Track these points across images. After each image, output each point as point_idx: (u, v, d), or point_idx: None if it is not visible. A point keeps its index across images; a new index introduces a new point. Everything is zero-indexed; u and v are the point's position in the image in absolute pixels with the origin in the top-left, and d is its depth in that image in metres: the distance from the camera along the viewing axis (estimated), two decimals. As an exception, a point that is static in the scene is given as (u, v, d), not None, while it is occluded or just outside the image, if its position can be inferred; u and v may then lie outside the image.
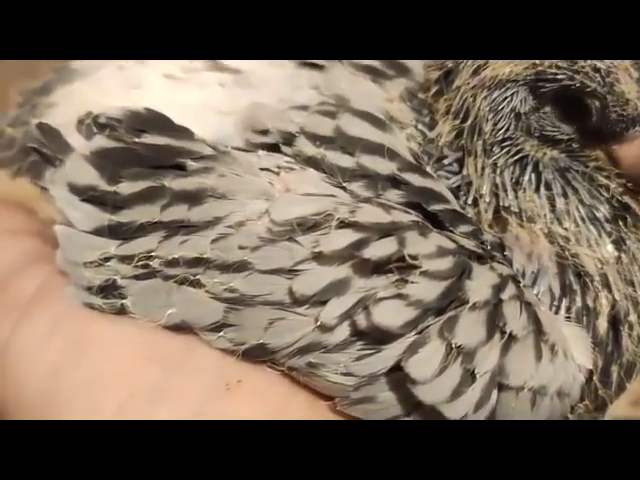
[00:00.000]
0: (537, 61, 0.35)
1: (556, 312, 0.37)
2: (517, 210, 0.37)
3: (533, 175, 0.37)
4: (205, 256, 0.35)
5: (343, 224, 0.34)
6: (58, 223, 0.38)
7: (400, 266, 0.34)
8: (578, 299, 0.37)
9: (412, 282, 0.33)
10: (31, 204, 0.48)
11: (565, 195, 0.37)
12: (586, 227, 0.37)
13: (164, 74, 0.43)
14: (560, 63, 0.34)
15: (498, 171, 0.37)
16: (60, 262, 0.38)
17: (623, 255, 0.37)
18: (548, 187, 0.37)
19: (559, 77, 0.35)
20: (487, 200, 0.37)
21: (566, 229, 0.37)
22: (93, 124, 0.39)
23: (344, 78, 0.40)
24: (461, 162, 0.38)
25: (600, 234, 0.37)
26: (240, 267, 0.34)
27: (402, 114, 0.39)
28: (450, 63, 0.38)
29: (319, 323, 0.33)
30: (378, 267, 0.34)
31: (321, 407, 0.35)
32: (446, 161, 0.38)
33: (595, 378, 0.36)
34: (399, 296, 0.33)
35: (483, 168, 0.37)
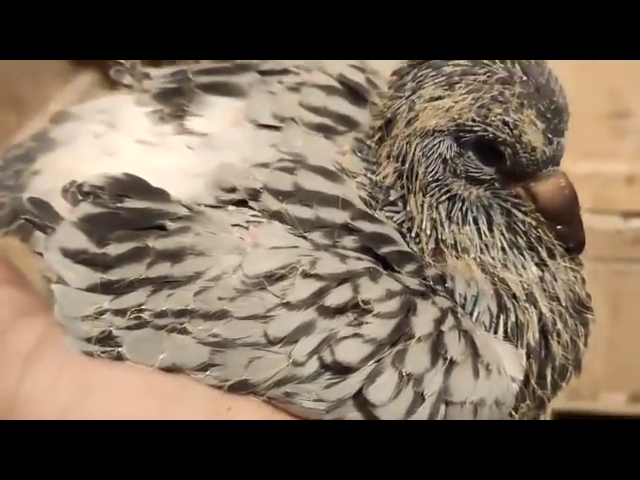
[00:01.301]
0: (456, 115, 0.40)
1: (495, 328, 0.42)
2: (453, 242, 0.43)
3: (462, 211, 0.43)
4: (190, 307, 0.40)
5: (306, 275, 0.39)
6: (54, 282, 0.43)
7: (356, 309, 0.39)
8: (512, 315, 0.42)
9: (366, 323, 0.39)
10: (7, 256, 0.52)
11: (490, 228, 0.43)
12: (512, 253, 0.43)
13: (136, 140, 0.48)
14: (475, 117, 0.40)
15: (434, 207, 0.43)
16: (58, 316, 0.42)
17: (546, 274, 0.43)
18: (475, 221, 0.43)
19: (475, 129, 0.40)
20: (428, 233, 0.43)
21: (493, 258, 0.43)
22: (77, 192, 0.43)
23: (299, 137, 0.45)
24: (404, 200, 0.43)
25: (525, 258, 0.43)
26: (220, 315, 0.39)
27: (353, 165, 0.44)
28: (389, 114, 0.43)
29: (292, 360, 0.39)
30: (337, 310, 0.39)
31: None
32: (391, 198, 0.43)
33: (532, 381, 0.42)
34: (356, 335, 0.39)
35: (422, 205, 0.43)
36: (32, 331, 0.44)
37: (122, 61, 0.52)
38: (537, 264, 0.43)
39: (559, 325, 0.43)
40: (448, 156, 0.42)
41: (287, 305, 0.39)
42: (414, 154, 0.42)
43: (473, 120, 0.40)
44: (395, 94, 0.43)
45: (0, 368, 0.43)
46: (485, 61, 0.41)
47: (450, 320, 0.41)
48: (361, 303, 0.39)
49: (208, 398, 0.40)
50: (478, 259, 0.43)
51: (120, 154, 0.48)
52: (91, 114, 0.51)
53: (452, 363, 0.39)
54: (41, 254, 0.44)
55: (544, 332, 0.43)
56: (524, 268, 0.43)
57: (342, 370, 0.39)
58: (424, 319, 0.40)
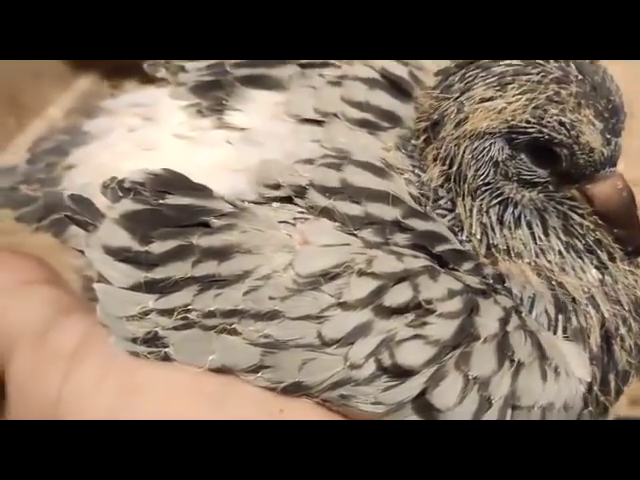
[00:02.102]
0: (509, 116, 0.39)
1: (554, 332, 0.41)
2: (505, 247, 0.41)
3: (514, 215, 0.42)
4: (239, 307, 0.39)
5: (362, 273, 0.38)
6: (96, 281, 0.42)
7: (416, 310, 0.38)
8: (573, 319, 0.41)
9: (429, 323, 0.38)
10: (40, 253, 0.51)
11: (545, 232, 0.42)
12: (571, 257, 0.42)
13: (174, 134, 0.47)
14: (529, 118, 0.39)
15: (484, 212, 0.41)
16: (101, 316, 0.41)
17: (607, 278, 0.42)
18: (529, 225, 0.42)
19: (529, 130, 0.39)
20: (478, 238, 0.42)
21: (550, 261, 0.41)
22: (118, 188, 0.42)
23: (342, 133, 0.44)
24: (453, 202, 0.42)
25: (584, 261, 0.42)
26: (272, 315, 0.38)
27: (399, 161, 0.43)
28: (436, 115, 0.42)
29: (349, 362, 0.38)
30: (395, 310, 0.38)
31: None
32: (441, 201, 0.42)
33: (595, 388, 0.41)
34: (418, 336, 0.38)
35: (471, 209, 0.42)
36: (74, 331, 0.43)
37: None
38: (597, 267, 0.42)
39: (622, 330, 0.42)
40: (499, 159, 0.41)
41: (343, 305, 0.38)
42: (463, 157, 0.41)
43: (527, 121, 0.39)
44: (442, 95, 0.42)
45: (43, 368, 0.42)
46: (538, 60, 0.40)
47: (515, 320, 0.39)
48: (423, 303, 0.38)
49: (260, 400, 0.39)
50: (533, 263, 0.41)
51: (158, 149, 0.46)
52: (125, 108, 0.50)
53: (519, 365, 0.38)
54: (81, 251, 0.43)
55: (607, 337, 0.42)
56: (583, 271, 0.42)
57: (402, 373, 0.38)
58: (488, 319, 0.39)
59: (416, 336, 0.38)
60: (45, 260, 0.50)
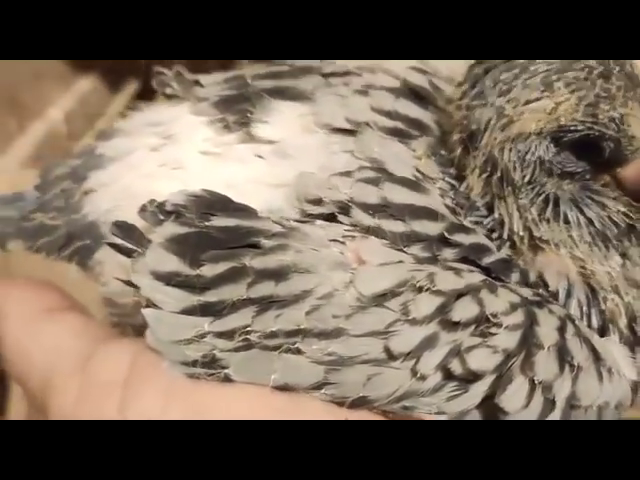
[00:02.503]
0: (560, 116, 0.40)
1: (589, 320, 0.43)
2: (547, 239, 0.43)
3: (553, 209, 0.43)
4: (302, 327, 0.39)
5: (425, 290, 0.39)
6: (144, 306, 0.41)
7: (483, 324, 0.39)
8: (603, 306, 0.43)
9: (494, 334, 0.39)
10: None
11: (579, 224, 0.43)
12: (597, 246, 0.43)
13: (200, 151, 0.46)
14: (581, 117, 0.40)
15: (527, 209, 0.43)
16: (151, 341, 0.41)
17: (627, 262, 0.44)
18: (566, 218, 0.43)
19: (580, 128, 0.40)
20: (521, 234, 0.43)
21: (582, 251, 0.43)
22: (159, 211, 0.41)
23: (375, 142, 0.44)
24: (489, 206, 0.43)
25: (608, 249, 0.43)
26: (336, 334, 0.39)
27: (430, 169, 0.44)
28: (473, 125, 0.43)
29: (419, 374, 0.38)
30: (464, 324, 0.39)
31: None
32: (477, 205, 0.43)
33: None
34: (486, 345, 0.39)
35: (514, 209, 0.43)
36: (119, 358, 0.42)
37: (164, 70, 0.50)
38: (620, 254, 0.44)
39: None
40: (546, 158, 0.42)
41: (410, 321, 0.39)
42: (508, 160, 0.42)
43: (579, 120, 0.40)
44: (473, 103, 0.43)
45: (93, 397, 0.41)
46: None
47: (571, 328, 0.41)
48: (490, 317, 0.39)
49: (326, 411, 0.39)
50: (569, 254, 0.43)
51: (186, 167, 0.46)
52: (141, 127, 0.49)
53: (578, 369, 0.40)
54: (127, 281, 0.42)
55: (630, 321, 0.43)
56: (607, 259, 0.43)
57: (470, 380, 0.39)
58: (547, 329, 0.40)
59: (483, 344, 0.39)
60: (62, 289, 0.49)
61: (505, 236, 0.43)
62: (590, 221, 0.43)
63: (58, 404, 0.43)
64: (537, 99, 0.40)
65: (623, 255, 0.44)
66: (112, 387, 0.41)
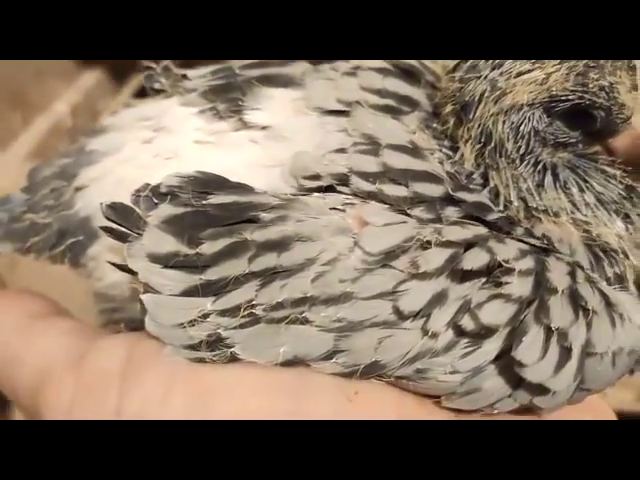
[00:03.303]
0: (551, 86, 0.41)
1: None
2: (544, 208, 0.43)
3: (552, 177, 0.43)
4: (309, 294, 0.38)
5: (434, 243, 0.39)
6: (142, 292, 0.40)
7: (494, 271, 0.39)
8: (609, 269, 0.43)
9: (507, 282, 0.38)
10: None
11: (581, 189, 0.43)
12: (600, 210, 0.43)
13: (194, 140, 0.46)
14: (571, 86, 0.41)
15: (522, 179, 0.43)
16: (151, 328, 0.40)
17: (630, 227, 0.44)
18: (566, 184, 0.43)
19: (570, 98, 0.41)
20: (516, 204, 0.43)
21: (586, 215, 0.43)
22: (153, 195, 0.41)
23: (369, 119, 0.44)
24: (485, 176, 0.43)
25: (610, 214, 0.43)
26: (344, 298, 0.38)
27: (426, 142, 0.44)
28: (466, 97, 0.43)
29: (430, 333, 0.38)
30: (468, 275, 0.38)
31: (428, 404, 0.40)
32: (474, 176, 0.43)
33: None
34: (498, 296, 0.38)
35: (508, 179, 0.43)
36: (116, 349, 0.41)
37: (152, 65, 0.50)
38: (622, 218, 0.44)
39: None
40: (539, 128, 0.42)
41: (418, 276, 0.38)
42: (501, 131, 0.42)
43: (569, 89, 0.41)
44: (467, 76, 0.43)
45: (91, 389, 0.40)
46: None
47: (580, 273, 0.41)
48: (503, 263, 0.38)
49: (335, 385, 0.39)
50: (571, 220, 0.43)
51: (180, 156, 0.45)
52: (131, 122, 0.48)
53: (593, 313, 0.39)
54: (118, 265, 0.41)
55: (639, 282, 0.43)
56: (611, 223, 0.43)
57: (485, 334, 0.38)
58: (558, 273, 0.40)
59: (495, 296, 0.38)
60: (43, 295, 0.48)
61: (502, 207, 0.43)
62: (591, 185, 0.44)
63: (53, 404, 0.41)
64: (529, 71, 0.41)
65: (626, 217, 0.44)
66: (110, 379, 0.40)
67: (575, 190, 0.43)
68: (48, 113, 1.07)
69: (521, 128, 0.42)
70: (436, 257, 0.38)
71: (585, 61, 0.41)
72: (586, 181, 0.44)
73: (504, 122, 0.42)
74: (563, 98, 0.41)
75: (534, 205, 0.43)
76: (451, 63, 0.46)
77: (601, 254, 0.43)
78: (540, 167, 0.43)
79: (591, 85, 0.41)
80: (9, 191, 0.49)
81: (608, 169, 0.44)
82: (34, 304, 0.46)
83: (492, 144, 0.43)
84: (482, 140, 0.43)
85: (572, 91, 0.41)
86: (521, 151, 0.43)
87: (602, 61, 0.41)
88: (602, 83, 0.41)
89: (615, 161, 0.44)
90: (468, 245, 0.39)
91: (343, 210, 0.40)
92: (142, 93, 0.50)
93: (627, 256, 0.43)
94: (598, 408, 0.43)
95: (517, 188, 0.43)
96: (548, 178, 0.43)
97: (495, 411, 0.40)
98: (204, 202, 0.40)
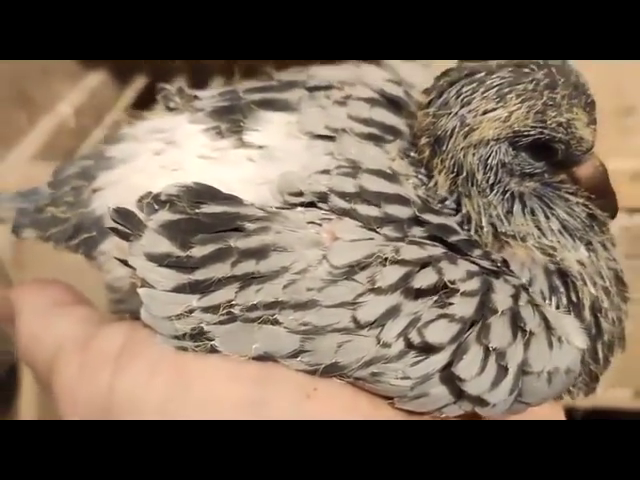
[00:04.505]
0: (513, 123, 0.45)
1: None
2: (512, 233, 0.47)
3: (520, 205, 0.48)
4: (280, 299, 0.43)
5: (391, 262, 0.43)
6: (139, 286, 0.45)
7: (441, 291, 0.43)
8: (564, 298, 0.47)
9: (452, 303, 0.43)
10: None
11: (546, 216, 0.48)
12: (564, 237, 0.48)
13: (198, 155, 0.51)
14: (531, 123, 0.45)
15: (492, 206, 0.47)
16: (145, 317, 0.45)
17: (592, 254, 0.48)
18: (533, 212, 0.48)
19: (532, 133, 0.45)
20: (486, 229, 0.47)
21: (551, 241, 0.47)
22: (154, 202, 0.46)
23: (353, 145, 0.49)
24: (458, 202, 0.48)
25: (574, 240, 0.48)
26: (310, 305, 0.43)
27: (403, 169, 0.48)
28: (438, 131, 0.47)
29: (381, 342, 0.42)
30: (421, 293, 0.43)
31: (381, 405, 0.44)
32: (447, 202, 0.48)
33: (586, 357, 0.47)
34: (444, 316, 0.43)
35: (481, 206, 0.47)
36: (116, 335, 0.47)
37: (168, 86, 0.55)
38: (585, 244, 0.48)
39: (606, 303, 0.47)
40: (506, 160, 0.47)
41: (375, 290, 0.43)
42: (471, 163, 0.47)
43: (530, 126, 0.45)
44: (439, 112, 0.47)
45: (91, 369, 0.46)
46: (525, 69, 0.46)
47: (524, 295, 0.45)
48: (448, 283, 0.43)
49: (297, 380, 0.43)
50: (537, 244, 0.47)
51: (184, 169, 0.51)
52: (147, 134, 0.54)
53: (531, 335, 0.43)
54: (122, 261, 0.46)
55: (594, 309, 0.47)
56: (575, 250, 0.48)
57: (429, 350, 0.42)
58: (502, 295, 0.44)
59: (442, 316, 0.43)
60: (66, 284, 0.54)
61: (473, 231, 0.47)
62: (556, 212, 0.48)
63: (61, 378, 0.47)
64: (493, 109, 0.45)
65: (589, 244, 0.48)
66: (107, 360, 0.45)
67: (541, 217, 0.48)
68: (53, 113, 1.10)
69: (489, 160, 0.47)
70: (391, 274, 0.43)
71: (544, 99, 0.45)
72: (551, 208, 0.48)
73: (473, 155, 0.47)
74: (525, 133, 0.46)
75: (503, 230, 0.47)
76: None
77: (559, 281, 0.47)
78: (508, 195, 0.47)
79: (549, 122, 0.45)
80: (15, 189, 0.55)
81: (572, 198, 0.48)
82: (58, 293, 0.53)
83: (464, 174, 0.47)
84: (455, 170, 0.47)
85: (532, 127, 0.45)
86: (490, 181, 0.47)
87: (559, 99, 0.45)
88: (559, 120, 0.45)
89: (579, 190, 0.48)
90: (423, 264, 0.44)
91: (320, 224, 0.45)
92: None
93: (585, 283, 0.47)
94: (546, 412, 0.47)
95: (488, 214, 0.47)
96: (516, 206, 0.48)
97: (443, 415, 0.44)
98: (197, 210, 0.45)
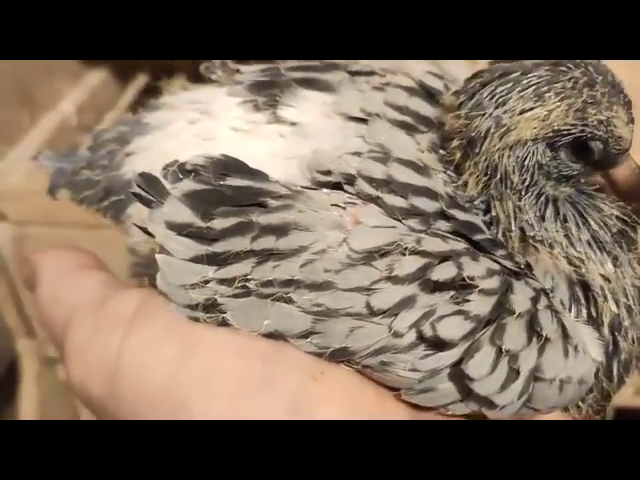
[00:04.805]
0: (553, 122, 0.44)
1: None
2: (540, 239, 0.46)
3: (553, 210, 0.46)
4: (296, 278, 0.42)
5: (412, 252, 0.42)
6: (157, 252, 0.45)
7: (460, 285, 0.42)
8: (584, 310, 0.46)
9: (469, 300, 0.42)
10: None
11: (577, 225, 0.46)
12: (592, 249, 0.46)
13: (231, 127, 0.51)
14: (572, 121, 0.44)
15: (525, 210, 0.46)
16: (161, 284, 0.45)
17: (618, 270, 0.46)
18: (565, 218, 0.46)
19: (572, 131, 0.44)
20: (514, 234, 0.46)
21: (579, 252, 0.46)
22: (179, 171, 0.45)
23: (384, 131, 0.48)
24: (487, 205, 0.46)
25: (602, 254, 0.46)
26: (325, 286, 0.42)
27: (433, 162, 0.47)
28: (472, 133, 0.46)
29: (392, 331, 0.42)
30: (438, 286, 0.42)
31: (387, 396, 0.43)
32: (475, 202, 0.47)
33: (600, 374, 0.45)
34: (459, 312, 0.42)
35: (512, 210, 0.46)
36: (131, 299, 0.47)
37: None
38: (613, 259, 0.47)
39: (627, 322, 0.46)
40: (543, 161, 0.46)
41: (392, 279, 0.42)
42: (506, 165, 0.46)
43: (570, 124, 0.44)
44: (472, 114, 0.46)
45: (103, 330, 0.46)
46: (562, 67, 0.45)
47: (544, 300, 0.44)
48: (467, 279, 0.42)
49: (304, 361, 0.43)
50: (564, 253, 0.46)
51: (216, 139, 0.51)
52: (184, 103, 0.54)
53: (546, 340, 0.42)
54: (142, 228, 0.46)
55: (612, 327, 0.46)
56: (602, 263, 0.46)
57: (441, 345, 0.42)
58: (521, 297, 0.43)
59: (457, 312, 0.42)
60: (88, 251, 0.55)
61: (500, 235, 0.46)
62: (587, 222, 0.47)
63: (73, 338, 0.47)
64: (531, 108, 0.44)
65: (615, 260, 0.47)
66: (119, 321, 0.45)
67: (572, 225, 0.46)
68: (54, 112, 1.11)
69: (526, 161, 0.45)
70: (410, 264, 0.42)
71: (584, 97, 0.44)
72: (584, 217, 0.47)
73: (509, 156, 0.45)
74: (564, 132, 0.44)
75: (532, 234, 0.46)
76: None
77: (581, 293, 0.46)
78: (543, 199, 0.46)
79: (590, 119, 0.44)
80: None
81: (606, 208, 0.47)
82: (79, 257, 0.53)
83: (498, 176, 0.46)
84: (488, 173, 0.46)
85: (573, 125, 0.44)
86: (526, 183, 0.46)
87: (599, 97, 0.44)
88: (600, 117, 0.44)
89: (614, 199, 0.47)
90: (443, 258, 0.43)
91: (344, 207, 0.45)
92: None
93: (606, 299, 0.46)
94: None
95: (518, 218, 0.46)
96: (549, 211, 0.46)
97: (449, 412, 0.43)
98: (222, 182, 0.45)
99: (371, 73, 0.52)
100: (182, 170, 0.46)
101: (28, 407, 1.00)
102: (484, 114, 0.46)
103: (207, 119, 0.52)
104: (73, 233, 0.90)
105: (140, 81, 1.20)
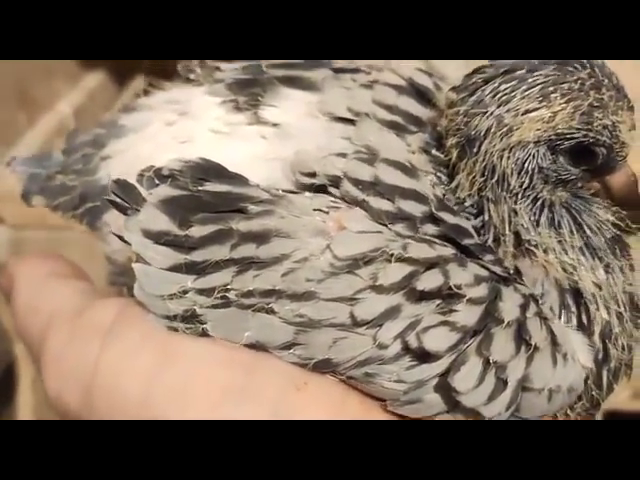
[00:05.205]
0: (558, 124, 0.42)
1: None
2: (535, 243, 0.44)
3: (549, 216, 0.44)
4: (277, 288, 0.41)
5: (397, 259, 0.41)
6: (134, 261, 0.43)
7: (446, 294, 0.40)
8: (574, 318, 0.44)
9: (456, 310, 0.40)
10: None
11: (571, 231, 0.44)
12: (584, 256, 0.44)
13: (210, 129, 0.49)
14: (576, 124, 0.42)
15: (520, 214, 0.44)
16: (139, 295, 0.43)
17: (610, 277, 0.45)
18: (559, 225, 0.44)
19: (575, 135, 0.42)
20: (508, 239, 0.44)
21: (572, 258, 0.44)
22: (155, 176, 0.44)
23: (373, 132, 0.46)
24: (479, 207, 0.45)
25: (594, 260, 0.44)
26: (308, 296, 0.40)
27: (422, 164, 0.45)
28: (472, 131, 0.44)
29: (377, 342, 0.40)
30: (424, 295, 0.40)
31: (372, 406, 0.42)
32: (466, 205, 0.45)
33: (589, 382, 0.43)
34: (445, 323, 0.40)
35: (505, 212, 0.44)
36: (109, 309, 0.45)
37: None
38: (605, 266, 0.45)
39: (617, 329, 0.44)
40: (543, 164, 0.43)
41: (376, 288, 0.40)
42: (505, 167, 0.44)
43: (575, 128, 0.42)
44: (472, 111, 0.44)
45: (80, 340, 0.44)
46: (569, 67, 0.43)
47: (533, 307, 0.42)
48: (453, 287, 0.40)
49: (287, 372, 0.41)
50: (557, 260, 0.44)
51: (194, 142, 0.49)
52: (161, 104, 0.52)
53: (535, 349, 0.41)
54: (119, 236, 0.44)
55: (603, 335, 0.44)
56: (593, 270, 0.44)
57: (426, 356, 0.40)
58: (510, 305, 0.41)
59: (443, 323, 0.40)
60: (66, 258, 0.53)
61: (491, 239, 0.44)
62: (581, 228, 0.45)
63: (49, 347, 0.46)
64: (535, 109, 0.42)
65: (607, 267, 0.45)
66: (96, 333, 0.44)
67: (566, 231, 0.45)
68: (52, 113, 1.11)
69: (525, 164, 0.43)
70: (395, 273, 0.40)
71: (590, 100, 0.42)
72: (578, 223, 0.45)
73: (509, 158, 0.43)
74: (568, 136, 0.43)
75: (527, 238, 0.44)
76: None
77: (572, 300, 0.44)
78: (539, 204, 0.44)
79: (595, 124, 0.42)
80: (15, 189, 0.54)
81: (601, 213, 0.45)
82: (56, 265, 0.51)
83: (495, 178, 0.44)
84: (485, 174, 0.44)
85: (577, 129, 0.42)
86: (524, 186, 0.44)
87: (606, 100, 0.42)
88: (605, 122, 0.42)
89: (610, 205, 0.45)
90: (430, 265, 0.41)
91: (327, 212, 0.43)
92: (144, 94, 0.54)
93: (598, 307, 0.44)
94: None
95: (513, 222, 0.44)
96: (544, 216, 0.44)
97: None
98: (200, 188, 0.43)
99: (356, 70, 0.50)
100: (158, 175, 0.44)
101: (25, 410, 0.98)
102: (485, 112, 0.43)
103: (185, 120, 0.50)
104: (70, 237, 0.88)
105: (138, 83, 1.19)
